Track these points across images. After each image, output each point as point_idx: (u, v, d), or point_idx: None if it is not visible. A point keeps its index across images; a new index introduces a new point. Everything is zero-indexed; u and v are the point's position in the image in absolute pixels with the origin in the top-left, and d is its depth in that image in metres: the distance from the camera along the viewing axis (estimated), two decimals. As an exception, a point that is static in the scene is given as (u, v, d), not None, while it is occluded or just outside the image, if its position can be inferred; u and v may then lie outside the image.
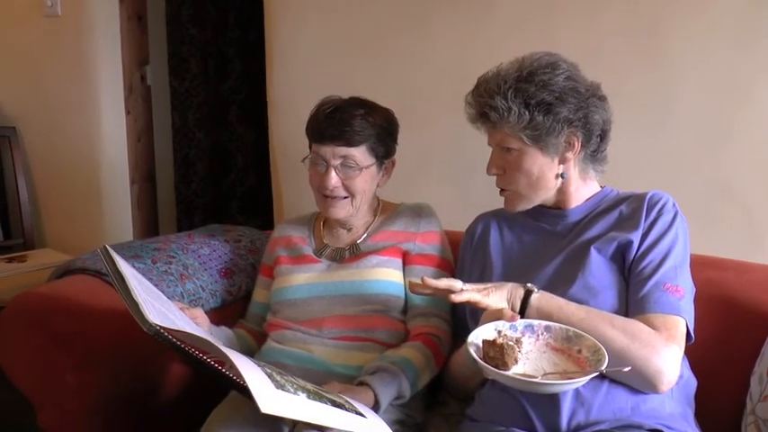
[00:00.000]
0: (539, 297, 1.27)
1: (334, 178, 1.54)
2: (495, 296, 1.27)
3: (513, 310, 1.26)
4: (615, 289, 1.30)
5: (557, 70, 1.33)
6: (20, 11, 3.02)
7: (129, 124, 3.05)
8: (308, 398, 1.12)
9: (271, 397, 1.03)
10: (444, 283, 1.25)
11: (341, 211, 1.58)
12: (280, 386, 1.09)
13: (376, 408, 1.33)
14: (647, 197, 1.37)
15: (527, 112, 1.31)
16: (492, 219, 1.55)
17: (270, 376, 1.10)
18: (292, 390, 1.11)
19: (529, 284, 1.29)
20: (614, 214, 1.38)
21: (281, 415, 1.03)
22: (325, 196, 1.57)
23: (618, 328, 1.21)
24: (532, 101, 1.31)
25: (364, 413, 1.21)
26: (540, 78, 1.32)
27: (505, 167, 1.39)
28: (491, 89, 1.34)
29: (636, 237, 1.32)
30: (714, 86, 1.73)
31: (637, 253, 1.31)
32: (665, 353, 1.19)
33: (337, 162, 1.54)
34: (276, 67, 2.34)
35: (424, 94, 2.10)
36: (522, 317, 1.26)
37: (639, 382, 1.21)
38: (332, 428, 1.14)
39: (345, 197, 1.57)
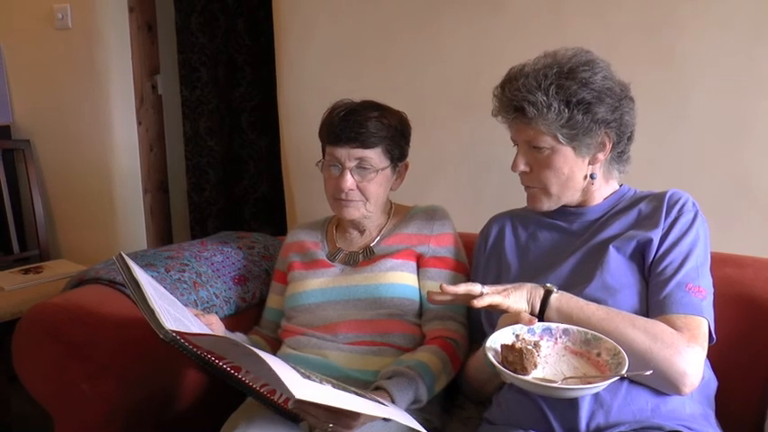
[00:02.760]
0: (558, 297, 1.25)
1: (349, 181, 1.53)
2: (516, 296, 1.25)
3: (532, 310, 1.25)
4: (634, 288, 1.29)
5: (595, 68, 1.32)
6: (32, 25, 3.04)
7: (141, 134, 3.06)
8: (334, 387, 1.13)
9: (301, 384, 1.04)
10: (463, 288, 1.23)
11: (355, 211, 1.57)
12: (306, 377, 1.10)
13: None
14: (667, 196, 1.35)
15: (567, 110, 1.29)
16: (506, 219, 1.54)
17: (295, 369, 1.11)
18: (317, 380, 1.13)
19: (548, 284, 1.27)
20: (633, 213, 1.37)
21: (312, 400, 1.04)
22: (340, 199, 1.57)
23: (639, 328, 1.19)
24: (573, 99, 1.29)
25: (386, 404, 1.22)
26: (582, 76, 1.30)
27: (533, 165, 1.37)
28: (530, 84, 1.30)
29: (656, 235, 1.30)
30: (731, 82, 1.70)
31: (657, 252, 1.29)
32: (687, 354, 1.17)
33: (353, 164, 1.53)
34: (286, 73, 2.34)
35: (435, 96, 2.09)
36: (542, 317, 1.24)
37: (662, 384, 1.19)
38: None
39: (358, 201, 1.56)
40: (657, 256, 1.29)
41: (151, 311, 1.14)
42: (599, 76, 1.31)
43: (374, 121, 1.53)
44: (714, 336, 1.25)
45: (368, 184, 1.55)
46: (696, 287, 1.24)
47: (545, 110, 1.29)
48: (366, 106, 1.57)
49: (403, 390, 1.34)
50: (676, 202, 1.34)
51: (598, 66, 1.32)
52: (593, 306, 1.24)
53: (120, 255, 1.31)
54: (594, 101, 1.29)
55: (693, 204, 1.34)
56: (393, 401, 1.31)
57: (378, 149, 1.54)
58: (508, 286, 1.27)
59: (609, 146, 1.34)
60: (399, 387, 1.34)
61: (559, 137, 1.31)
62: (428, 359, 1.42)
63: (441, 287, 1.24)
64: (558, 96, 1.29)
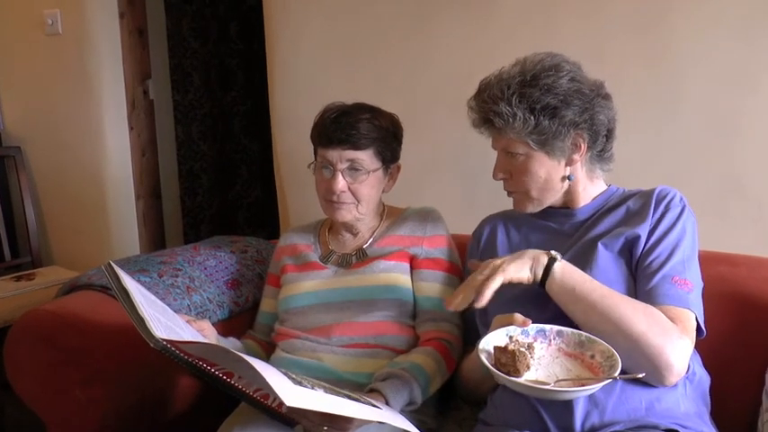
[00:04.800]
0: (562, 266, 1.25)
1: (341, 182, 1.53)
2: (515, 267, 1.24)
3: (534, 278, 1.25)
4: (623, 284, 1.29)
5: (560, 72, 1.32)
6: (22, 31, 3.03)
7: (133, 139, 3.05)
8: (326, 392, 1.13)
9: (292, 391, 1.03)
10: (465, 294, 1.23)
11: (347, 213, 1.57)
12: (297, 383, 1.10)
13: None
14: (656, 192, 1.36)
15: (532, 117, 1.30)
16: (498, 220, 1.54)
17: (286, 374, 1.11)
18: (309, 386, 1.12)
19: (553, 252, 1.26)
20: (621, 210, 1.37)
21: (304, 407, 1.03)
22: (331, 201, 1.56)
23: (639, 310, 1.20)
24: (537, 105, 1.29)
25: (380, 407, 1.21)
26: (545, 82, 1.30)
27: (512, 171, 1.38)
28: (494, 95, 1.32)
29: (643, 231, 1.30)
30: (721, 79, 1.71)
31: (644, 247, 1.30)
32: (679, 345, 1.17)
33: (344, 166, 1.53)
34: (278, 78, 2.34)
35: (428, 99, 2.10)
36: (543, 286, 1.24)
37: (647, 370, 1.17)
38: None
39: (350, 203, 1.56)
40: (645, 250, 1.30)
41: (141, 320, 1.14)
42: (564, 80, 1.31)
43: (365, 123, 1.53)
44: (704, 329, 1.25)
45: (359, 185, 1.55)
46: (682, 280, 1.24)
47: (510, 119, 1.30)
48: (358, 108, 1.57)
49: (397, 391, 1.33)
50: (664, 197, 1.34)
51: (563, 69, 1.32)
52: (596, 283, 1.24)
53: (109, 263, 1.30)
54: (561, 105, 1.30)
55: (681, 199, 1.35)
56: (388, 403, 1.31)
57: (369, 151, 1.54)
58: (506, 258, 1.26)
59: (584, 146, 1.35)
60: (394, 389, 1.33)
61: (530, 143, 1.32)
62: (422, 361, 1.42)
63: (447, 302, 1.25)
64: (521, 105, 1.30)
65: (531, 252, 1.27)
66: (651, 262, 1.27)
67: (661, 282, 1.24)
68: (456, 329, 1.52)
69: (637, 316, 1.19)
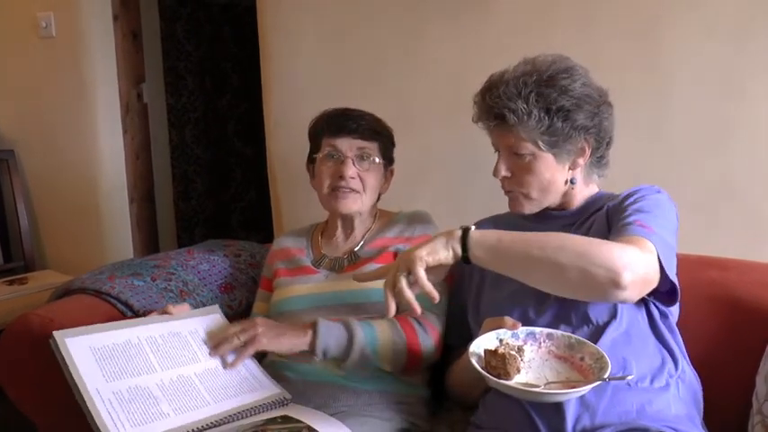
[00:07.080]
0: (479, 233, 1.21)
1: (352, 168, 1.57)
2: (426, 251, 1.20)
3: (455, 254, 1.21)
4: None
5: (574, 75, 1.33)
6: (15, 33, 3.02)
7: (127, 143, 3.04)
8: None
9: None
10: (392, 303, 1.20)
11: (353, 203, 1.59)
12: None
13: (314, 335, 1.39)
14: (633, 188, 1.36)
15: (547, 118, 1.30)
16: (489, 225, 1.54)
17: None
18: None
19: (465, 224, 1.23)
20: (603, 210, 1.37)
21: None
22: (336, 189, 1.57)
23: (572, 235, 1.21)
24: (553, 106, 1.30)
25: None
26: (561, 84, 1.31)
27: (514, 170, 1.37)
28: (510, 92, 1.31)
29: (618, 211, 1.30)
30: (711, 86, 1.72)
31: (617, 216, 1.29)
32: (627, 248, 1.13)
33: (354, 153, 1.57)
34: (272, 81, 2.35)
35: (422, 103, 2.10)
36: (468, 261, 1.21)
37: (605, 281, 1.12)
38: None
39: (357, 192, 1.58)
40: (617, 217, 1.29)
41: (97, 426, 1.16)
42: (578, 83, 1.32)
43: (370, 117, 1.61)
44: (677, 285, 1.21)
45: (367, 174, 1.58)
46: (645, 224, 1.21)
47: (525, 117, 1.30)
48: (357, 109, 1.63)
49: (330, 323, 1.40)
50: (639, 188, 1.35)
51: (577, 73, 1.33)
52: (514, 233, 1.21)
53: (53, 335, 1.28)
54: (574, 108, 1.31)
55: (658, 190, 1.35)
56: (315, 326, 1.39)
57: (375, 144, 1.60)
58: (413, 247, 1.22)
59: (588, 151, 1.36)
60: (326, 321, 1.41)
61: (540, 144, 1.32)
62: (377, 322, 1.44)
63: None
64: (538, 104, 1.30)
65: (443, 231, 1.24)
66: (619, 219, 1.26)
67: (624, 225, 1.22)
68: (434, 318, 1.48)
69: (572, 239, 1.18)
